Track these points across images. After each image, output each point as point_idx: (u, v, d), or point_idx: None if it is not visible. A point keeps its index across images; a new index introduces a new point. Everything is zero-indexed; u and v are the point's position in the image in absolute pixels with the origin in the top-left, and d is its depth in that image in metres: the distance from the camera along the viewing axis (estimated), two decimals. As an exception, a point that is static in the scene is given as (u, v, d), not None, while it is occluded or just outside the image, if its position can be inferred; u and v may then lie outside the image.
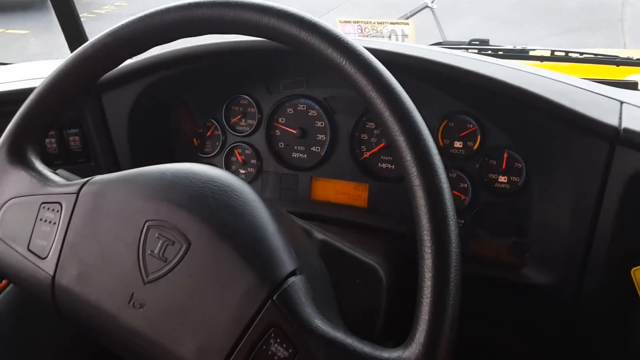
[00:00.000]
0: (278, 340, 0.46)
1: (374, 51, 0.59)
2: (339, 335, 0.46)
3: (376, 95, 0.48)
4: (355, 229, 0.82)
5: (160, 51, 0.80)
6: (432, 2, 2.18)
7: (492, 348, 0.85)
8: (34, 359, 0.88)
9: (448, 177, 0.77)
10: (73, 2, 1.02)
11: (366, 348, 0.46)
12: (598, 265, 0.67)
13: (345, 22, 0.88)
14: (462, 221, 0.82)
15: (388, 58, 0.69)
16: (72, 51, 1.06)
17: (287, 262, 0.50)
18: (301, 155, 0.91)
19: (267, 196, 0.92)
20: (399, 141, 0.47)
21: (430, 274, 0.44)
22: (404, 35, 0.88)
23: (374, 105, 0.48)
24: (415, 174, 0.46)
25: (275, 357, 0.46)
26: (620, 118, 0.64)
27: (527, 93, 0.67)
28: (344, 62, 0.49)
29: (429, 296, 0.44)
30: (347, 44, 0.50)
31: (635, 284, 0.61)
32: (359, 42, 0.55)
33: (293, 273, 0.49)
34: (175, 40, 0.59)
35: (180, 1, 0.55)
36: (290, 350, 0.46)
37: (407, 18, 2.14)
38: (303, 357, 0.45)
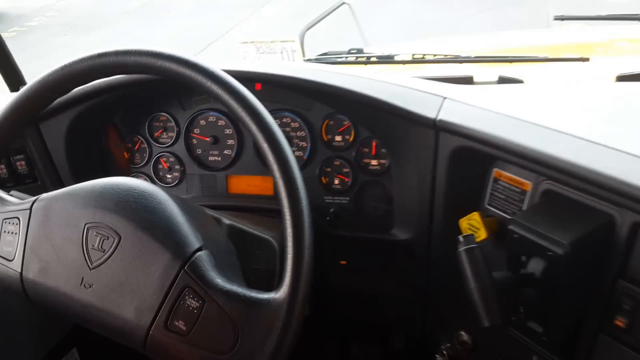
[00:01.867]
0: (191, 296, 0.67)
1: (252, 74, 0.79)
2: (234, 287, 0.67)
3: (244, 114, 0.67)
4: (265, 213, 1.01)
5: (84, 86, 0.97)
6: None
7: (374, 293, 1.06)
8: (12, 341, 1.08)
9: (333, 164, 0.99)
10: (7, 47, 1.18)
11: (252, 293, 0.66)
12: (439, 221, 0.88)
13: (244, 42, 1.06)
14: (348, 198, 1.02)
15: (269, 78, 0.90)
16: (11, 90, 1.23)
17: (193, 242, 0.70)
18: (216, 158, 1.08)
19: (192, 194, 1.09)
20: (263, 147, 0.66)
21: (291, 240, 0.64)
22: (293, 51, 1.07)
23: (245, 122, 0.67)
24: (276, 169, 0.65)
25: (190, 307, 0.67)
26: (439, 111, 0.84)
27: (369, 97, 0.88)
28: (218, 91, 0.68)
29: (291, 255, 0.64)
30: (218, 76, 0.69)
31: (462, 231, 0.81)
32: (248, 63, 0.75)
33: (199, 249, 0.69)
34: (92, 81, 0.77)
35: (91, 51, 0.73)
36: (200, 302, 0.66)
37: (325, 17, 2.32)
38: (209, 305, 0.66)
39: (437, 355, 0.89)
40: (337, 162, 1.01)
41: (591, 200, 0.68)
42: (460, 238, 0.67)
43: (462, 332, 0.88)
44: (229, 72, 0.71)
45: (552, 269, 0.66)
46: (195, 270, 0.67)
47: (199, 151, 1.10)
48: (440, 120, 0.82)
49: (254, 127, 0.66)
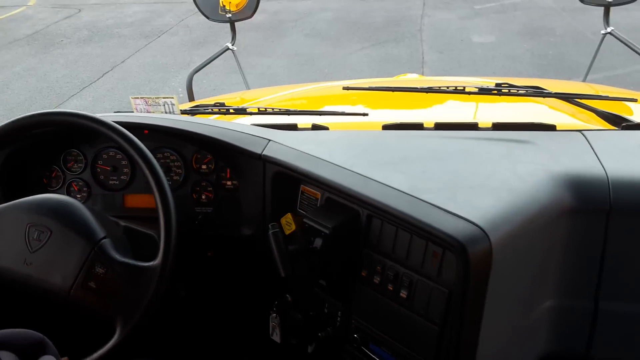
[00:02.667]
0: (99, 266, 1.05)
1: (141, 124, 1.13)
2: (125, 260, 1.04)
3: (134, 153, 1.03)
4: (151, 220, 1.29)
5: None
6: (232, 45, 2.63)
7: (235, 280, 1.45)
8: None
9: (200, 185, 1.33)
10: None
11: (138, 263, 1.03)
12: (268, 220, 1.19)
13: (134, 97, 1.34)
14: (211, 208, 1.37)
15: (153, 126, 1.23)
16: None
17: (100, 233, 1.09)
18: (115, 182, 1.41)
19: (97, 208, 1.37)
20: (146, 173, 1.03)
21: (163, 231, 1.01)
22: (172, 105, 1.36)
23: (134, 158, 1.04)
24: (154, 186, 1.03)
25: (98, 273, 1.05)
26: (264, 148, 1.22)
27: (219, 140, 1.26)
28: (116, 138, 1.05)
29: (163, 240, 1.01)
30: (115, 128, 1.05)
31: (282, 226, 1.14)
32: (139, 114, 1.10)
33: (104, 238, 1.08)
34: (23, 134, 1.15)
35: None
36: (104, 270, 1.05)
37: (210, 61, 2.59)
38: (110, 271, 1.05)
39: (271, 312, 1.22)
40: (203, 184, 1.37)
41: (348, 202, 1.07)
42: (270, 226, 1.03)
43: (287, 295, 1.22)
44: (125, 122, 1.07)
45: (324, 243, 1.04)
46: (101, 250, 1.06)
47: (101, 177, 1.41)
48: (264, 155, 1.21)
49: (140, 161, 1.04)
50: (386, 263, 1.01)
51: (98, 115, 1.09)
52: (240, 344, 1.55)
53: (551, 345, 1.06)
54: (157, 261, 1.03)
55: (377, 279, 1.03)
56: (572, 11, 6.83)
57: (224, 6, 2.59)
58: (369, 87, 1.59)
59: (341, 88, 1.62)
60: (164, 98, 1.33)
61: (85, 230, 1.07)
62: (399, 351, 0.99)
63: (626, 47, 2.15)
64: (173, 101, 1.33)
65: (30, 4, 9.27)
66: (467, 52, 5.97)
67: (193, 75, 2.45)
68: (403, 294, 0.97)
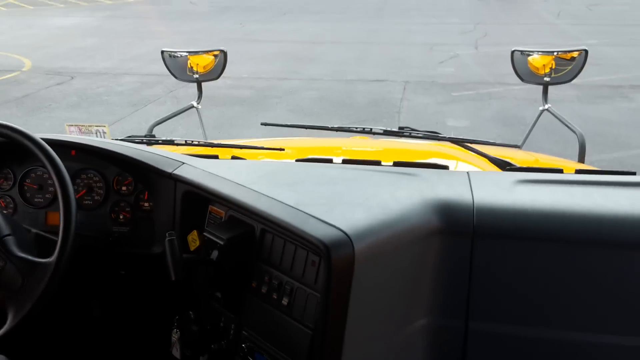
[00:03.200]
0: (0, 257, 1.13)
1: (69, 142, 1.21)
2: (24, 255, 1.09)
3: (50, 169, 1.09)
4: None
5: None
6: (197, 103, 2.75)
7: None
8: None
9: (119, 205, 1.38)
10: None
11: (35, 258, 1.08)
12: (178, 237, 1.23)
13: (69, 125, 1.42)
14: (128, 228, 1.43)
15: (80, 146, 1.29)
16: None
17: (4, 231, 1.17)
18: (40, 199, 1.47)
19: (24, 224, 1.41)
20: (58, 189, 1.08)
21: (60, 236, 1.07)
22: (104, 133, 1.44)
23: (51, 174, 1.09)
24: (60, 197, 1.09)
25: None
26: (175, 169, 1.30)
27: (135, 159, 1.35)
28: (37, 153, 1.12)
29: (59, 242, 1.07)
30: (38, 143, 1.12)
31: (189, 242, 1.18)
32: (70, 135, 1.16)
33: (7, 235, 1.16)
34: None
35: None
36: (3, 262, 1.13)
37: (175, 116, 2.70)
38: (9, 264, 1.12)
39: (172, 328, 1.26)
40: (122, 204, 1.44)
41: (246, 218, 1.15)
42: (167, 234, 1.09)
43: (190, 312, 1.25)
44: (53, 140, 1.18)
45: (220, 254, 1.10)
46: (2, 245, 1.14)
47: (28, 195, 1.48)
48: (174, 174, 1.29)
49: (55, 178, 1.11)
50: (273, 273, 1.09)
51: (22, 128, 1.16)
52: None
53: None
54: (52, 258, 1.10)
55: (264, 289, 1.10)
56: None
57: (192, 67, 2.74)
58: (286, 124, 1.73)
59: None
60: (96, 126, 1.41)
61: None
62: (279, 358, 1.03)
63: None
64: (104, 129, 1.41)
65: (24, 69, 9.56)
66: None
67: (154, 127, 2.55)
68: (285, 301, 1.05)
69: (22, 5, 19.78)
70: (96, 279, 1.38)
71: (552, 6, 19.86)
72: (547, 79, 2.50)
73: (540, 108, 2.50)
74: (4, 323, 1.11)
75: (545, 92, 2.48)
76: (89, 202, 1.45)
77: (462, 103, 7.46)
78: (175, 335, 1.22)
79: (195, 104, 2.78)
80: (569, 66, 2.56)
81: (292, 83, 8.68)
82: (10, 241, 1.14)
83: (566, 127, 2.39)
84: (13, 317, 1.09)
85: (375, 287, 1.01)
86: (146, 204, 1.43)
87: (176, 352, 1.22)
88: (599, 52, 10.87)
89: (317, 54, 11.01)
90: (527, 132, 2.55)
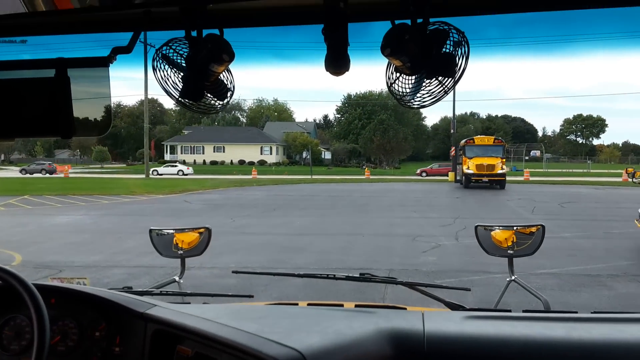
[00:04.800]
0: None
1: (50, 287, 1.29)
2: None
3: (34, 313, 1.15)
4: None
5: None
6: (179, 278, 2.85)
7: None
8: None
9: (92, 351, 1.43)
10: None
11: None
12: None
13: (53, 278, 1.54)
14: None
15: (59, 291, 1.37)
16: None
17: None
18: (15, 346, 1.49)
19: None
20: (36, 333, 1.13)
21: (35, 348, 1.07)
22: (84, 284, 1.54)
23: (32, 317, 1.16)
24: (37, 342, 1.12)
25: None
26: (147, 309, 1.38)
27: (107, 300, 1.45)
28: (25, 297, 1.19)
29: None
30: (24, 282, 1.21)
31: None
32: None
33: None
34: None
35: None
36: None
37: (158, 287, 2.77)
38: None
39: None
40: (94, 349, 1.47)
41: (210, 352, 1.19)
42: None
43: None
44: (38, 285, 1.24)
45: None
46: None
47: (5, 341, 1.50)
48: (146, 313, 1.36)
49: (35, 324, 1.19)
50: None
51: (18, 274, 1.26)
52: None
53: None
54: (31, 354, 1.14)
55: None
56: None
57: (177, 244, 2.90)
58: (255, 271, 1.84)
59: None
60: (77, 279, 1.52)
61: None
62: None
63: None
64: (85, 282, 1.52)
65: (14, 263, 9.68)
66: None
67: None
68: None
69: (21, 205, 20.62)
70: None
71: (526, 203, 21.10)
72: (510, 251, 2.67)
73: (507, 279, 2.63)
74: None
75: (510, 264, 2.63)
76: (62, 348, 1.48)
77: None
78: None
79: (177, 278, 2.87)
80: (529, 240, 2.76)
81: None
82: None
83: (533, 295, 2.49)
84: None
85: None
86: (117, 349, 1.46)
87: None
88: (574, 244, 11.34)
89: (304, 245, 11.35)
90: (497, 299, 2.65)
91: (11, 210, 19.14)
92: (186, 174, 46.06)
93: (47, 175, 46.51)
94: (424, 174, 48.52)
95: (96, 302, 1.46)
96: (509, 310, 1.49)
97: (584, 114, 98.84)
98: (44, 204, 20.92)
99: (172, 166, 49.05)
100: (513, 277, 2.57)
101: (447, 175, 40.70)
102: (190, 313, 1.30)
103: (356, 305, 1.49)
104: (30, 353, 1.43)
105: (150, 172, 43.80)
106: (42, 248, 11.25)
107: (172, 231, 2.87)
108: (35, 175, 46.15)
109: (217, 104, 1.24)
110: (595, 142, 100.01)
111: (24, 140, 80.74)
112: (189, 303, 1.56)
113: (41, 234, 13.17)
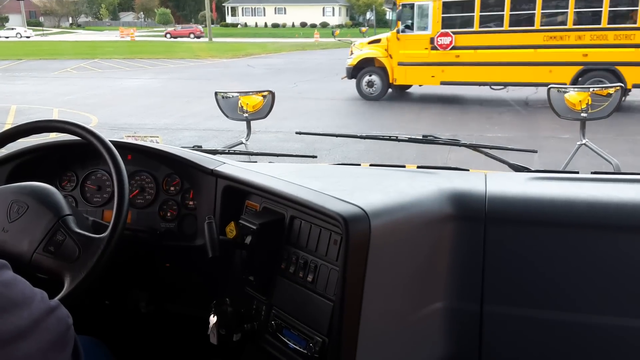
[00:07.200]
0: (60, 234, 1.22)
1: (127, 144, 1.37)
2: (81, 232, 1.22)
3: (112, 164, 1.23)
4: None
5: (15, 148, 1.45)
6: (246, 140, 2.92)
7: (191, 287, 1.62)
8: None
9: (167, 204, 1.60)
10: None
11: (90, 234, 1.20)
12: (218, 228, 1.35)
13: (127, 135, 1.62)
14: (174, 223, 1.58)
15: (136, 148, 1.45)
16: None
17: (66, 210, 1.26)
18: (98, 199, 1.64)
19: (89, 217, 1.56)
20: (115, 184, 1.21)
21: (115, 207, 1.20)
22: (157, 142, 1.62)
23: (111, 172, 1.23)
24: (116, 190, 1.21)
25: (59, 240, 1.21)
26: (215, 167, 1.44)
27: (182, 158, 1.52)
28: (104, 153, 1.26)
29: (112, 223, 1.18)
30: (103, 141, 1.28)
31: (227, 233, 1.28)
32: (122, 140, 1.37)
33: (68, 215, 1.26)
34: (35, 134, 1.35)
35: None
36: (63, 237, 1.22)
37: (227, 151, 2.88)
38: (68, 239, 1.21)
39: (211, 313, 1.32)
40: (170, 202, 1.60)
41: (277, 207, 1.27)
42: (206, 218, 1.21)
43: (226, 298, 1.33)
44: (115, 142, 1.31)
45: (253, 238, 1.22)
46: (64, 223, 1.24)
47: (88, 195, 1.66)
48: (216, 170, 1.43)
49: (115, 177, 1.25)
50: (300, 254, 1.20)
51: (96, 131, 1.33)
52: (181, 347, 1.67)
53: (445, 348, 1.14)
54: (105, 234, 1.23)
55: (292, 269, 1.21)
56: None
57: (242, 107, 2.95)
58: (318, 133, 1.88)
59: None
60: (150, 137, 1.59)
61: (55, 207, 1.26)
62: (305, 332, 1.11)
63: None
64: (158, 139, 1.59)
65: (91, 125, 10.22)
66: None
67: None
68: (309, 278, 1.14)
69: (92, 68, 21.28)
70: (145, 270, 1.49)
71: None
72: (584, 114, 2.55)
73: (578, 143, 2.54)
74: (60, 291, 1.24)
75: (582, 127, 2.53)
76: (141, 201, 1.61)
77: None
78: (212, 319, 1.32)
79: (244, 140, 2.96)
80: (605, 102, 2.62)
81: (340, 138, 8.89)
82: (71, 220, 1.26)
83: (603, 159, 2.41)
84: (69, 284, 1.20)
85: (390, 265, 1.10)
86: (191, 202, 1.58)
87: (213, 337, 1.31)
88: None
89: (371, 112, 11.30)
90: (565, 162, 2.60)
91: (83, 73, 19.82)
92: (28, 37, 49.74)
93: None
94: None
95: (170, 158, 1.54)
96: (577, 172, 1.45)
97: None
98: (112, 67, 21.50)
99: (11, 29, 53.47)
100: (584, 141, 2.49)
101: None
102: (257, 170, 1.35)
103: (418, 167, 1.50)
104: (111, 205, 1.56)
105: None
106: (116, 111, 11.74)
107: (237, 94, 2.91)
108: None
109: None
110: None
111: (89, 2, 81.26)
112: (256, 162, 1.61)
113: (113, 98, 13.69)
